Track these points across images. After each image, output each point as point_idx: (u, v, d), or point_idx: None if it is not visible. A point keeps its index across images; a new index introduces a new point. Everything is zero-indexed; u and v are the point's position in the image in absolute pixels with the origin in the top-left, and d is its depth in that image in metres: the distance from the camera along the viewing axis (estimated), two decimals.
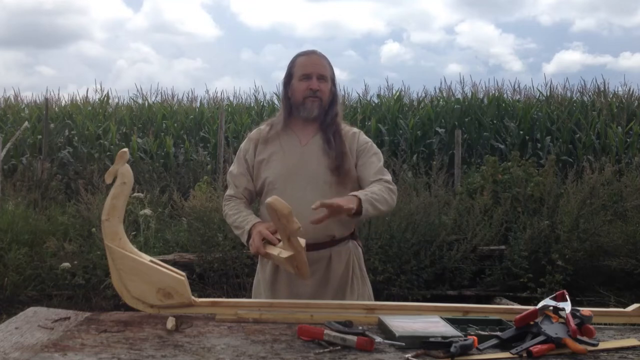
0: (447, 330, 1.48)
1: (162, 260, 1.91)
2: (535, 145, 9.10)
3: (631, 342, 1.48)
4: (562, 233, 5.21)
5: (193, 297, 1.69)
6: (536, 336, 1.40)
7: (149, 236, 5.16)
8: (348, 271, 2.09)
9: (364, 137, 2.18)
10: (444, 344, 1.35)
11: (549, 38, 30.31)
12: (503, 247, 5.31)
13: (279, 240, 1.85)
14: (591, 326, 1.45)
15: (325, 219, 1.80)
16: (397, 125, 9.38)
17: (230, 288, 4.90)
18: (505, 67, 23.12)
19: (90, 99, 11.38)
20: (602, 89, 10.69)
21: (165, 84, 30.76)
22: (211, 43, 30.98)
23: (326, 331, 1.42)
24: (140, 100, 11.39)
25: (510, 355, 1.35)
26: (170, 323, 1.55)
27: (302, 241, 1.77)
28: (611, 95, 10.58)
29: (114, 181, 1.69)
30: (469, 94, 10.41)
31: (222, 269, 4.92)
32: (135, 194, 5.29)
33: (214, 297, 4.33)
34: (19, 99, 11.96)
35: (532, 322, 1.46)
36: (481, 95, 10.53)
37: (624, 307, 1.78)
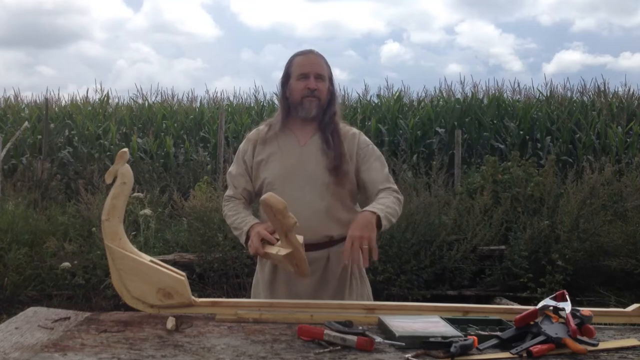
0: (447, 330, 1.48)
1: (162, 260, 1.91)
2: (535, 145, 9.10)
3: (631, 342, 1.48)
4: (562, 233, 5.21)
5: (193, 297, 1.69)
6: (536, 336, 1.40)
7: (149, 236, 5.16)
8: (347, 271, 2.08)
9: (364, 139, 2.17)
10: (444, 344, 1.35)
11: (549, 38, 30.34)
12: (503, 247, 5.31)
13: (278, 240, 1.85)
14: (591, 326, 1.45)
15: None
16: (397, 125, 9.38)
17: (230, 288, 4.90)
18: (505, 67, 23.15)
19: (90, 99, 11.41)
20: (602, 89, 10.70)
21: (165, 84, 30.82)
22: (211, 43, 31.01)
23: (326, 331, 1.42)
24: (140, 100, 11.40)
25: (510, 355, 1.35)
26: (170, 323, 1.55)
27: (300, 238, 1.77)
28: (611, 95, 10.58)
29: (114, 181, 1.69)
30: (469, 94, 10.42)
31: (222, 269, 4.92)
32: (135, 194, 5.29)
33: (214, 297, 4.33)
34: (19, 99, 11.98)
35: (532, 322, 1.46)
36: (481, 95, 10.54)
37: (624, 307, 1.78)
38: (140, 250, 1.77)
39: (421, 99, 10.83)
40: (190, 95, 13.43)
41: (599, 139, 9.05)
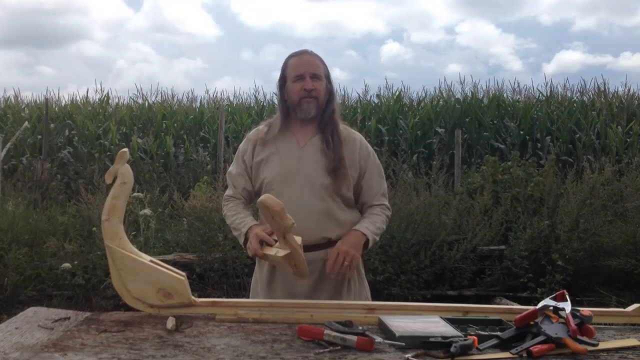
0: (447, 330, 1.48)
1: (162, 260, 1.91)
2: (535, 145, 9.10)
3: (631, 342, 1.48)
4: (562, 233, 5.20)
5: (193, 297, 1.69)
6: (536, 336, 1.40)
7: (149, 236, 5.16)
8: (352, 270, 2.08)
9: (365, 146, 2.17)
10: (444, 344, 1.35)
11: (549, 38, 30.34)
12: (503, 247, 5.31)
13: (276, 241, 1.85)
14: (591, 326, 1.45)
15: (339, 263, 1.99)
16: (397, 125, 9.37)
17: (230, 288, 4.90)
18: (506, 67, 23.16)
19: (91, 99, 11.41)
20: (602, 89, 10.70)
21: (165, 84, 30.80)
22: (211, 43, 31.02)
23: (326, 331, 1.42)
24: (140, 100, 11.40)
25: (510, 355, 1.35)
26: (170, 323, 1.55)
27: (299, 239, 1.77)
28: (611, 95, 10.58)
29: (114, 181, 1.69)
30: (469, 94, 10.42)
31: (222, 269, 4.92)
32: (135, 194, 5.29)
33: (214, 297, 4.33)
34: (19, 99, 11.98)
35: (532, 322, 1.46)
36: (481, 95, 10.53)
37: (624, 307, 1.78)
38: (140, 250, 1.77)
39: (421, 99, 10.84)
40: (190, 95, 13.44)
41: (599, 139, 9.05)
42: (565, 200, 5.46)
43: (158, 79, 34.71)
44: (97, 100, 11.13)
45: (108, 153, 9.00)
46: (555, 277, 4.89)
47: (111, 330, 1.51)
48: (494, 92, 10.61)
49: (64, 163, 8.84)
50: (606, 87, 10.68)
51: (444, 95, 10.67)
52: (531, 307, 1.52)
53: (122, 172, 1.69)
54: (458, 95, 10.48)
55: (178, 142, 9.52)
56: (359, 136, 2.18)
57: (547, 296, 1.59)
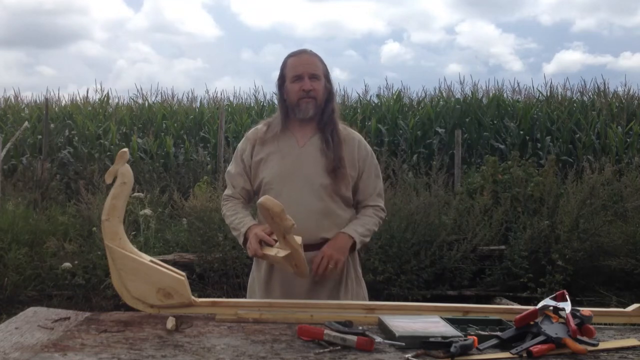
0: (447, 330, 1.48)
1: (162, 260, 1.91)
2: (535, 145, 9.10)
3: (631, 342, 1.48)
4: (562, 233, 5.21)
5: (193, 297, 1.69)
6: (536, 336, 1.40)
7: (149, 236, 5.16)
8: (342, 272, 2.09)
9: (364, 146, 2.17)
10: (444, 344, 1.35)
11: (549, 38, 30.33)
12: (503, 247, 5.31)
13: (276, 241, 1.85)
14: (591, 326, 1.45)
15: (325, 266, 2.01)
16: (397, 125, 9.37)
17: (230, 288, 4.90)
18: (506, 67, 23.15)
19: (91, 99, 11.40)
20: (602, 89, 10.69)
21: (165, 84, 30.80)
22: (211, 43, 31.00)
23: (326, 331, 1.42)
24: (140, 100, 11.39)
25: (510, 355, 1.35)
26: (170, 323, 1.55)
27: (299, 239, 1.77)
28: (611, 95, 10.58)
29: (114, 181, 1.69)
30: (469, 94, 10.41)
31: (222, 269, 4.92)
32: (135, 194, 5.29)
33: (214, 297, 4.33)
34: (19, 99, 11.97)
35: (532, 322, 1.46)
36: (481, 95, 10.53)
37: (624, 307, 1.78)
38: (140, 250, 1.77)
39: (421, 99, 10.83)
40: (190, 95, 13.45)
41: (599, 139, 9.05)
42: (565, 200, 5.47)
43: (158, 79, 34.74)
44: (97, 100, 11.13)
45: (108, 153, 9.00)
46: (555, 277, 4.89)
47: (111, 330, 1.51)
48: (494, 92, 10.61)
49: (64, 163, 8.84)
50: (606, 87, 10.69)
51: (444, 95, 10.67)
52: (531, 307, 1.52)
53: (122, 172, 1.68)
54: (458, 95, 10.49)
55: (178, 142, 9.52)
56: (357, 136, 2.18)
57: (547, 296, 1.59)
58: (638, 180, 5.88)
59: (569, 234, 5.18)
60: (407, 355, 1.33)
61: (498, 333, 1.44)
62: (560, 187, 5.83)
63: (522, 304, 3.63)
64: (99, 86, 11.97)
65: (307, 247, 1.91)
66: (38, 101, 11.62)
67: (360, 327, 1.49)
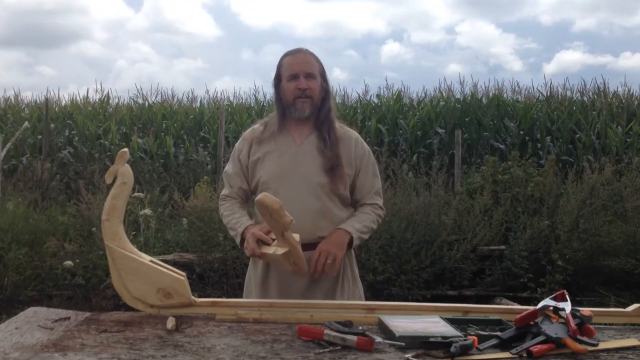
0: (447, 330, 1.47)
1: (162, 260, 1.91)
2: (535, 145, 9.10)
3: (631, 342, 1.48)
4: (562, 233, 5.21)
5: (193, 297, 1.69)
6: (536, 336, 1.40)
7: (149, 236, 5.16)
8: (339, 270, 2.09)
9: (362, 145, 2.17)
10: (444, 344, 1.35)
11: (549, 38, 30.33)
12: (503, 247, 5.31)
13: (273, 240, 1.85)
14: (591, 326, 1.45)
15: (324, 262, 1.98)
16: (397, 125, 9.38)
17: (230, 288, 4.90)
18: (506, 67, 23.16)
19: (91, 99, 11.40)
20: (602, 89, 10.69)
21: (165, 84, 30.80)
22: (211, 43, 31.00)
23: (326, 331, 1.42)
24: (140, 100, 11.40)
25: (510, 355, 1.35)
26: (170, 323, 1.55)
27: (297, 236, 1.77)
28: (611, 95, 10.57)
29: (114, 181, 1.69)
30: (469, 94, 10.41)
31: (222, 269, 4.92)
32: (135, 194, 5.29)
33: (214, 297, 4.33)
34: (19, 99, 11.98)
35: (532, 322, 1.46)
36: (481, 96, 10.53)
37: (624, 307, 1.78)
38: (140, 250, 1.77)
39: (421, 99, 10.84)
40: (190, 95, 13.44)
41: (599, 139, 9.05)
42: (565, 200, 5.47)
43: (158, 79, 34.75)
44: (97, 100, 11.14)
45: (108, 153, 9.01)
46: (555, 277, 4.89)
47: (111, 330, 1.51)
48: (494, 92, 10.61)
49: (64, 163, 8.84)
50: (606, 87, 10.69)
51: (444, 96, 10.67)
52: (531, 307, 1.52)
53: (122, 172, 1.68)
54: (458, 95, 10.49)
55: (178, 142, 9.52)
56: (354, 134, 2.18)
57: (547, 296, 1.59)
58: (638, 180, 5.88)
59: (569, 234, 5.18)
60: (407, 355, 1.33)
61: (498, 333, 1.44)
62: (560, 187, 5.83)
63: (522, 304, 3.63)
64: (99, 86, 12.01)
65: (305, 246, 1.90)
66: (38, 101, 11.65)
67: (360, 327, 1.49)
